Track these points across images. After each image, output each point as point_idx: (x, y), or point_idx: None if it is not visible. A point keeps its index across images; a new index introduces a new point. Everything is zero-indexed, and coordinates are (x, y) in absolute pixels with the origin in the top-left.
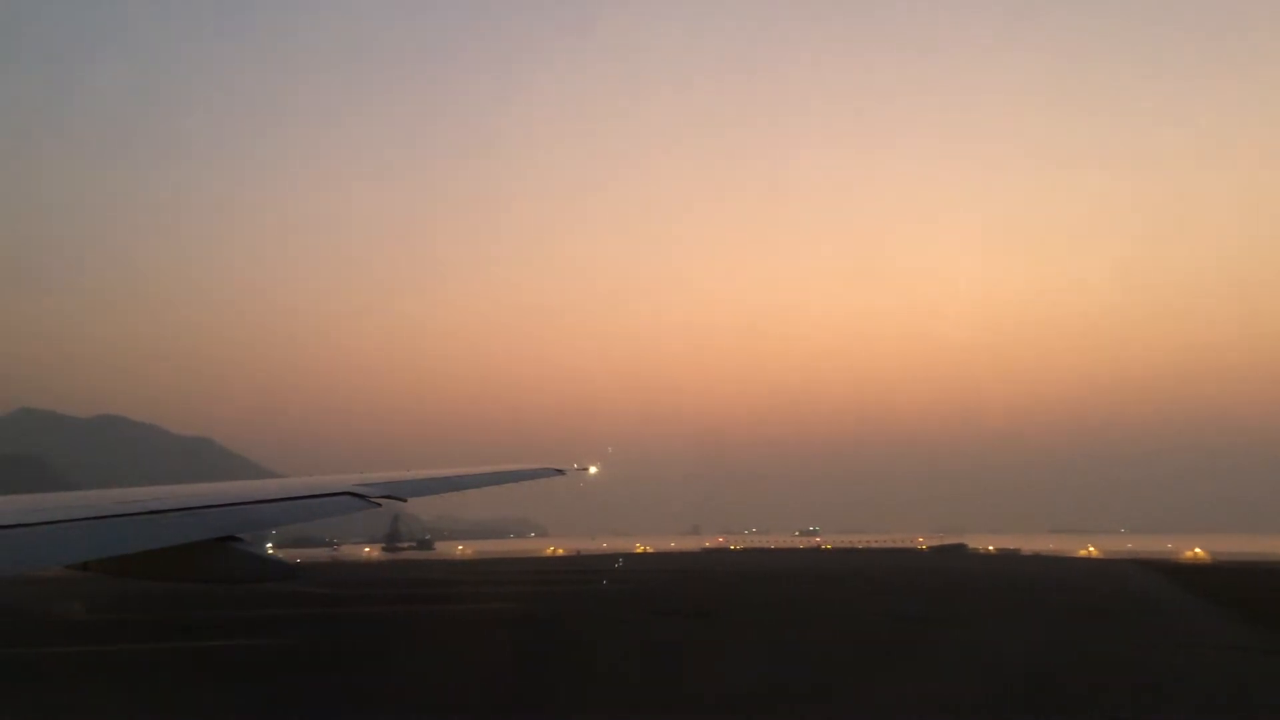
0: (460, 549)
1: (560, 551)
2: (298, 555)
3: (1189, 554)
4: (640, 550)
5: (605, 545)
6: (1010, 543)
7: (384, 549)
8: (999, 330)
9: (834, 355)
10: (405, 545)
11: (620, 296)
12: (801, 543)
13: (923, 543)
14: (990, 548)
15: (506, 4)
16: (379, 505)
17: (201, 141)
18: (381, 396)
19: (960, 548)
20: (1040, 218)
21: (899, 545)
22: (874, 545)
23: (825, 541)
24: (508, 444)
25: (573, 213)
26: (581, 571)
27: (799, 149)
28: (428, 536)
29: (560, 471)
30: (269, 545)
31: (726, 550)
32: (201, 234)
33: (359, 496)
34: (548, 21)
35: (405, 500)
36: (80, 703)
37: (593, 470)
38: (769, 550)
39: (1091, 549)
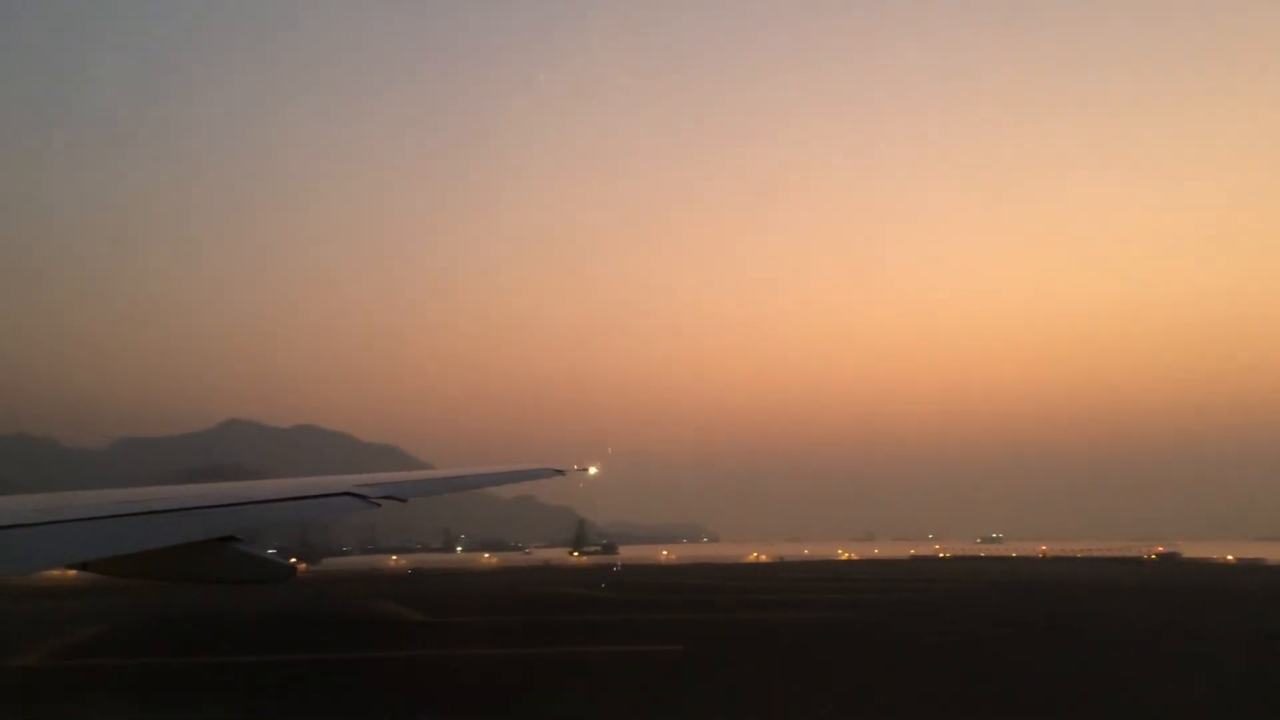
0: (664, 554)
1: (763, 558)
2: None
3: None
4: (845, 557)
5: (806, 551)
6: (1215, 550)
7: (570, 553)
8: (1200, 327)
9: (1006, 354)
10: (592, 549)
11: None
12: (1000, 550)
13: (1150, 552)
14: (1230, 557)
15: None
16: (379, 505)
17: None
18: (566, 404)
19: (1173, 556)
20: None
21: (1116, 554)
22: (1094, 554)
23: (1013, 549)
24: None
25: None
26: (838, 578)
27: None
28: (608, 540)
29: (560, 472)
30: (493, 554)
31: (937, 558)
32: (386, 251)
33: (359, 497)
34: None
35: (405, 501)
36: None
37: (592, 470)
38: (994, 559)
39: None
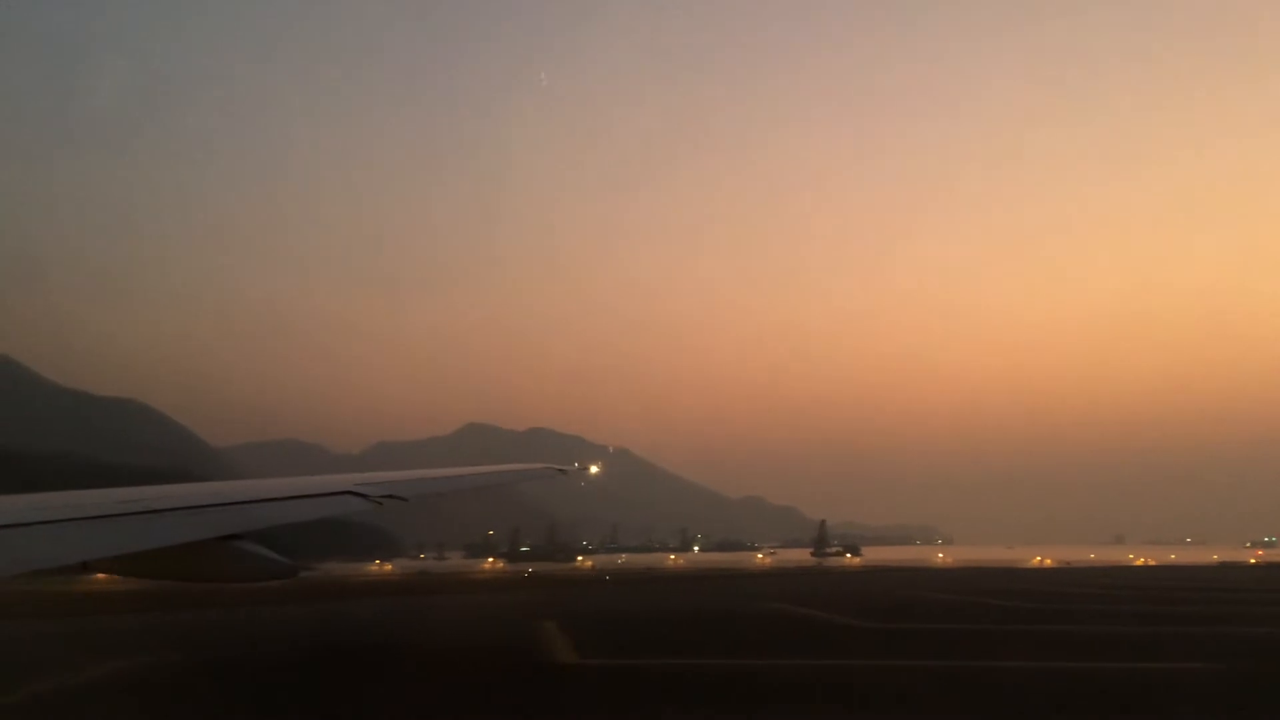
0: (940, 557)
1: (1049, 562)
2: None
3: None
4: (1140, 562)
5: (1092, 556)
6: None
7: (812, 554)
8: None
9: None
10: (833, 550)
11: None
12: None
13: None
14: None
15: None
16: (380, 504)
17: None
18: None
19: None
20: None
21: None
22: None
23: None
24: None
25: None
26: (1209, 586)
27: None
28: (849, 541)
29: (563, 471)
30: (760, 552)
31: (1244, 565)
32: (619, 263)
33: (360, 496)
34: None
35: (407, 500)
36: None
37: (594, 470)
38: None
39: None
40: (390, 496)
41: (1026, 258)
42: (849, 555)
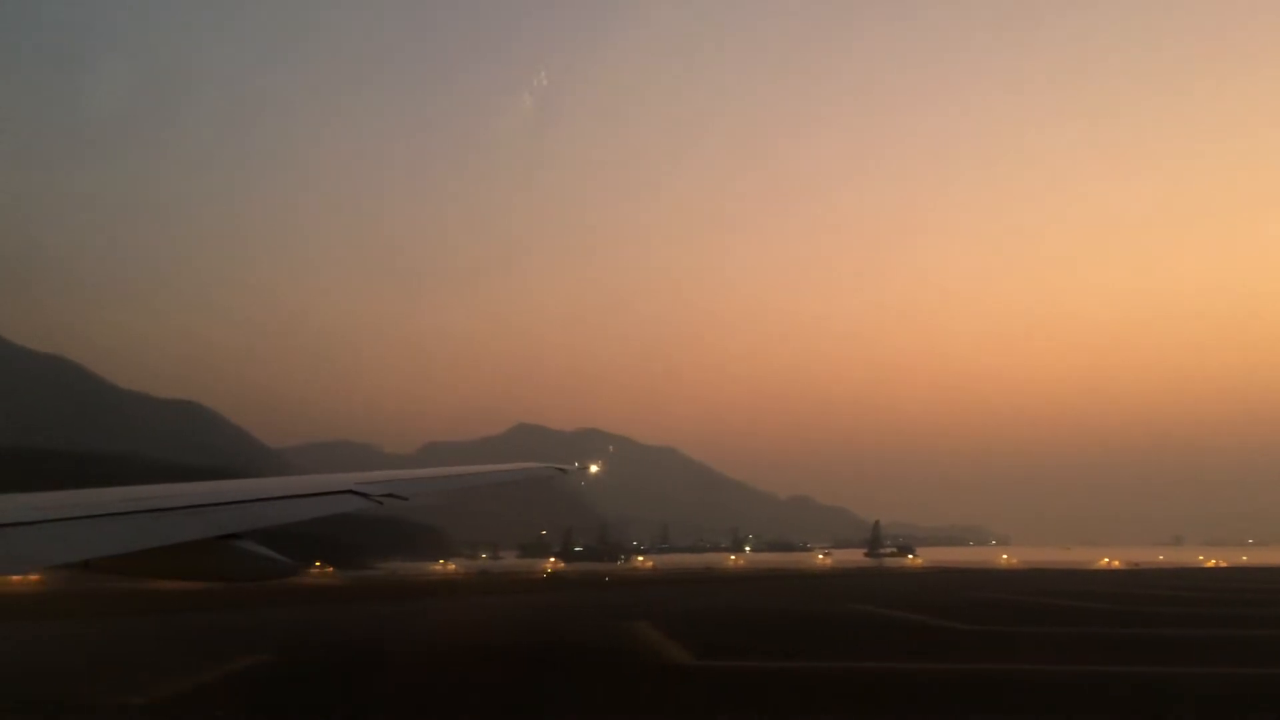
0: (1004, 558)
1: (1116, 564)
2: (796, 559)
3: None
4: (1211, 564)
5: (1161, 558)
6: None
7: (866, 554)
8: None
9: None
10: (887, 551)
11: None
12: None
13: None
14: None
15: None
16: (381, 504)
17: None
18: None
19: None
20: None
21: None
22: None
23: None
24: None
25: None
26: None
27: None
28: (903, 542)
29: (561, 470)
30: (819, 553)
31: None
32: (662, 262)
33: (361, 495)
34: None
35: (407, 499)
36: None
37: (594, 469)
38: None
39: None
40: (390, 495)
41: (1080, 254)
42: (911, 556)
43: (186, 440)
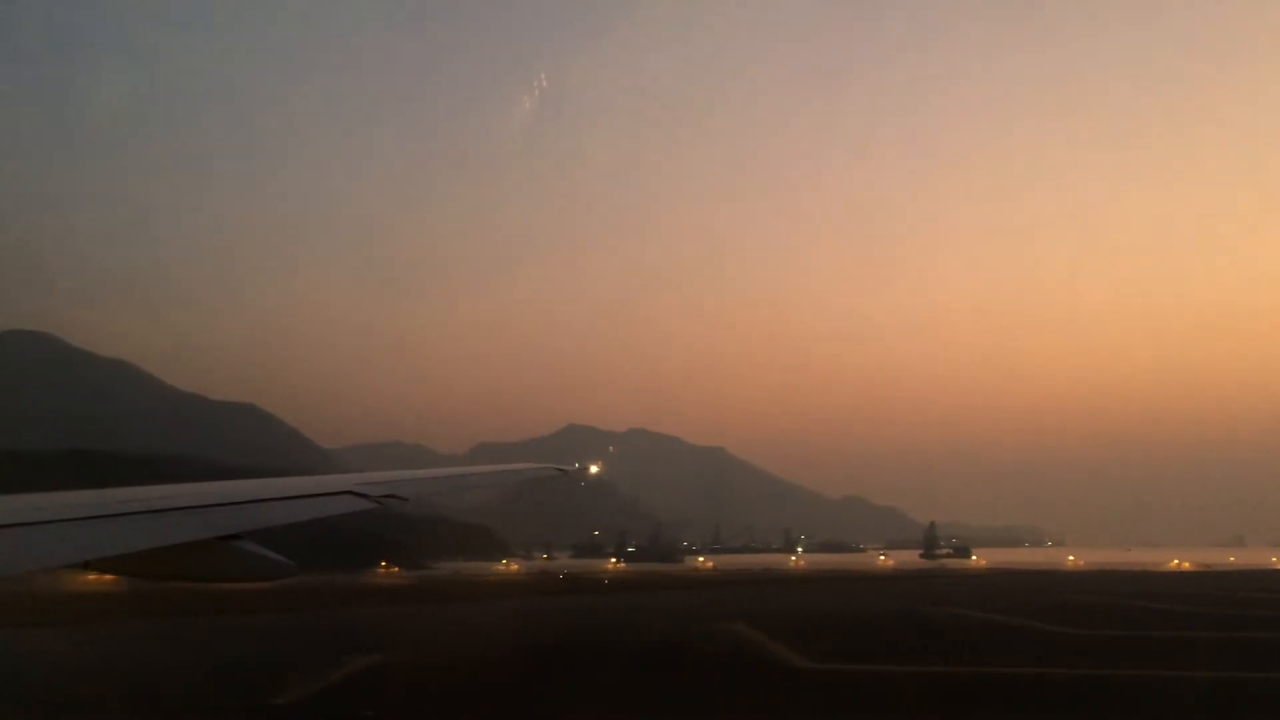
0: (1071, 559)
1: (1186, 565)
2: (852, 560)
3: None
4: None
5: (1232, 559)
6: None
7: (921, 555)
8: None
9: None
10: (942, 552)
11: None
12: None
13: None
14: None
15: None
16: (380, 504)
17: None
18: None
19: None
20: None
21: None
22: None
23: None
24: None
25: None
26: None
27: None
28: (957, 543)
29: (563, 471)
30: (878, 554)
31: None
32: (714, 267)
33: (361, 496)
34: None
35: (407, 500)
36: None
37: (594, 469)
38: None
39: None
40: (390, 496)
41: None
42: (974, 558)
43: (243, 442)
